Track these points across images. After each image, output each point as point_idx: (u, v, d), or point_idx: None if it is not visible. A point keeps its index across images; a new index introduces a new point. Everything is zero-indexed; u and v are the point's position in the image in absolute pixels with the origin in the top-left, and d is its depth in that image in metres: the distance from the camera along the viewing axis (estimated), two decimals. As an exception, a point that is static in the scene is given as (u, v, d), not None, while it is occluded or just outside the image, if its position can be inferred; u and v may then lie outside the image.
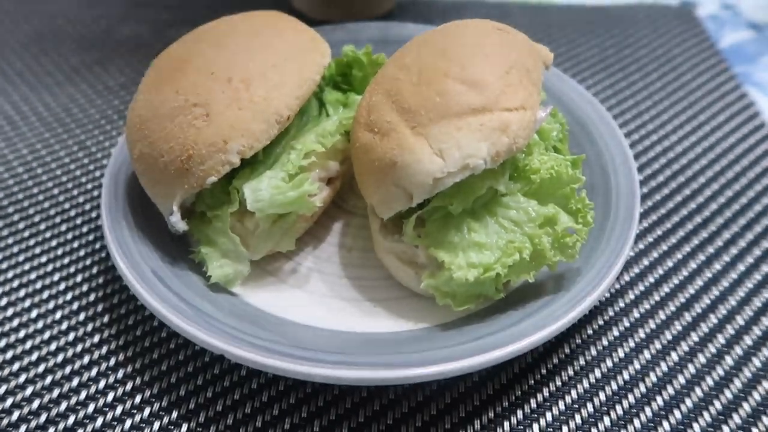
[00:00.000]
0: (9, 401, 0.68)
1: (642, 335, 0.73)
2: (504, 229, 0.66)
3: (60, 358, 0.72)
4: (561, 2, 1.36)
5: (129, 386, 0.70)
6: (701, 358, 0.71)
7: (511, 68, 0.66)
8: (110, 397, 0.69)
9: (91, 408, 0.68)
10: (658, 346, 0.72)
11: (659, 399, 0.68)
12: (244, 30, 0.75)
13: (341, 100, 0.85)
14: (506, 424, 0.66)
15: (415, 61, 0.68)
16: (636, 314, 0.76)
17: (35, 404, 0.68)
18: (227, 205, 0.71)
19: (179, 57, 0.73)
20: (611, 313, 0.76)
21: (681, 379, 0.69)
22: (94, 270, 0.82)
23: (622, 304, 0.77)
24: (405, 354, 0.63)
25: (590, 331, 0.74)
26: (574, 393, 0.68)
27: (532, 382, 0.69)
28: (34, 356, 0.73)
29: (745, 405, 0.67)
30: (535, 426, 0.65)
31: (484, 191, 0.66)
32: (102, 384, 0.70)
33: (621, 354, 0.72)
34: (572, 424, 0.66)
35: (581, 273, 0.69)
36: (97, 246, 0.85)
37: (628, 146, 0.82)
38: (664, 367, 0.70)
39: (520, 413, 0.67)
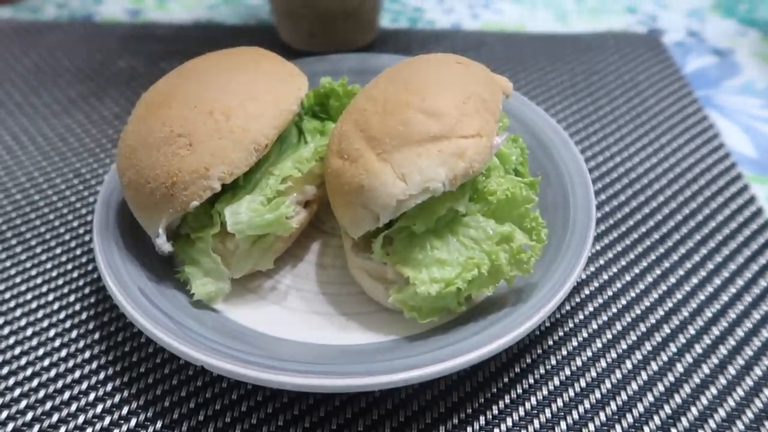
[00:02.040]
0: (4, 413, 0.73)
1: (599, 345, 0.78)
2: (464, 247, 0.72)
3: (53, 372, 0.77)
4: (534, 31, 1.43)
5: (117, 398, 0.74)
6: (654, 366, 0.76)
7: (468, 98, 0.72)
8: (99, 408, 0.73)
9: (81, 419, 0.73)
10: (613, 354, 0.77)
11: (612, 404, 0.72)
12: (226, 66, 0.81)
13: (319, 128, 0.91)
14: (469, 429, 0.70)
15: (381, 92, 0.74)
16: (594, 325, 0.80)
17: (29, 416, 0.73)
18: (209, 228, 0.76)
19: (166, 92, 0.79)
20: (571, 325, 0.81)
21: (634, 386, 0.74)
22: (86, 290, 0.87)
23: (581, 316, 0.81)
24: (374, 363, 0.68)
25: (550, 342, 0.79)
26: (533, 399, 0.73)
27: (495, 390, 0.74)
28: (29, 371, 0.77)
29: (693, 409, 0.71)
30: (497, 431, 0.70)
31: (445, 212, 0.71)
32: (92, 396, 0.75)
33: (579, 363, 0.76)
34: (531, 429, 0.70)
35: (538, 286, 0.74)
36: (90, 267, 0.90)
37: (585, 168, 0.88)
38: (618, 374, 0.75)
39: (482, 419, 0.71)
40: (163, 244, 0.76)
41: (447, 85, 0.73)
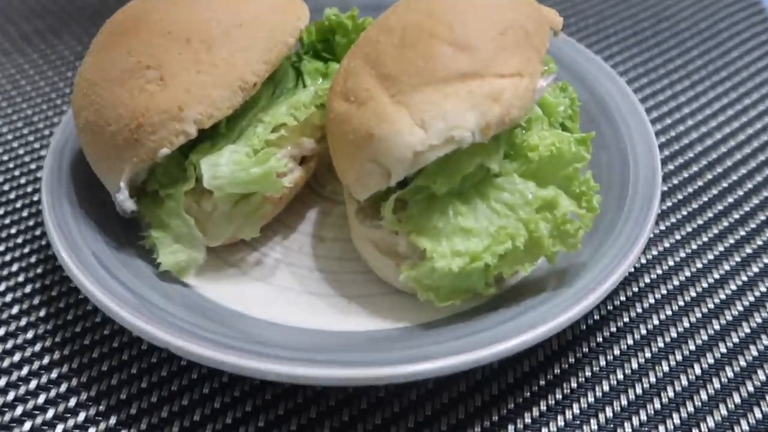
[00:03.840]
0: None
1: (660, 344, 0.75)
2: (496, 214, 0.69)
3: (-12, 354, 0.76)
4: (591, -31, 1.40)
5: (63, 388, 0.73)
6: (728, 372, 0.73)
7: (507, 29, 0.69)
8: (41, 399, 0.72)
9: (19, 410, 0.71)
10: (678, 357, 0.74)
11: (675, 417, 0.69)
12: (209, -15, 0.79)
13: (321, 70, 0.89)
14: (495, 440, 0.68)
15: (399, 21, 0.72)
16: (655, 320, 0.78)
17: (-43, 404, 0.72)
18: (182, 183, 0.75)
19: (134, 15, 0.77)
20: (626, 319, 0.78)
21: (703, 396, 0.71)
22: (33, 259, 0.86)
23: (639, 309, 0.79)
24: (377, 353, 0.66)
25: (599, 338, 0.76)
26: (576, 408, 0.70)
27: (528, 394, 0.71)
28: (-41, 352, 0.76)
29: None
30: (529, 443, 0.68)
31: (473, 169, 0.69)
32: (33, 385, 0.73)
33: (634, 365, 0.74)
34: (572, 442, 0.68)
35: (587, 267, 0.71)
36: (38, 232, 0.89)
37: (650, 128, 0.85)
38: (683, 381, 0.72)
39: (511, 430, 0.69)
40: (124, 202, 0.74)
41: (482, 12, 0.70)
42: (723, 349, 0.75)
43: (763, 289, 0.80)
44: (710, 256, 0.84)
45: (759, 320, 0.77)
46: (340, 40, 0.90)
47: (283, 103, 0.81)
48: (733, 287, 0.81)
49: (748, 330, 0.77)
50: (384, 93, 0.68)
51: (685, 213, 0.89)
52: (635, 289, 0.81)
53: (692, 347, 0.75)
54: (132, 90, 0.71)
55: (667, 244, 0.86)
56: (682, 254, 0.84)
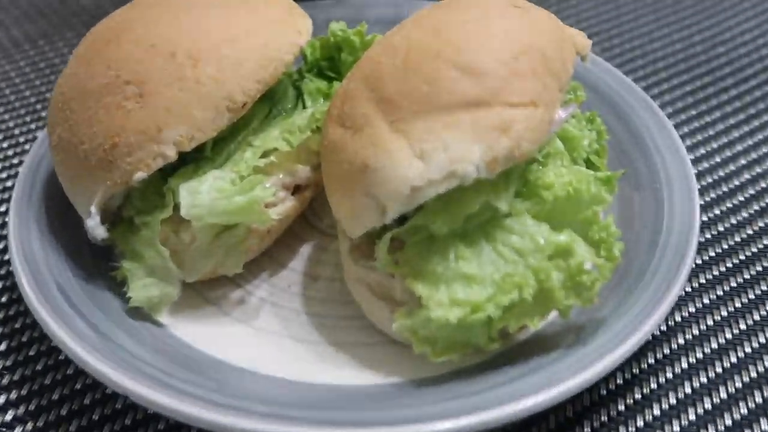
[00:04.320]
0: None
1: (692, 416, 0.73)
2: (503, 259, 0.68)
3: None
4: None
5: (9, 416, 0.74)
6: (769, 453, 0.70)
7: (522, 53, 0.69)
8: (-7, 442, 0.73)
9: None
10: (711, 432, 0.72)
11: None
12: (202, -5, 0.81)
13: (323, 90, 0.89)
14: None
15: (404, 40, 0.72)
16: (687, 388, 0.75)
17: None
18: (159, 210, 0.75)
19: (117, 26, 0.79)
20: (653, 385, 0.76)
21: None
22: (-3, 285, 0.87)
23: (668, 374, 0.77)
24: (362, 412, 0.65)
25: (620, 407, 0.74)
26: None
27: (534, 465, 0.70)
28: None
29: None
30: None
31: (478, 208, 0.68)
32: (-15, 425, 0.74)
33: (659, 439, 0.72)
34: None
35: (607, 324, 0.70)
36: (6, 258, 0.90)
37: (692, 169, 0.84)
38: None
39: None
40: (95, 228, 0.75)
41: (495, 33, 0.70)
42: (765, 426, 0.73)
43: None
44: (750, 321, 0.82)
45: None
46: (346, 58, 0.91)
47: (276, 126, 0.82)
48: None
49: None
50: (382, 119, 0.68)
51: (723, 269, 0.87)
52: (666, 351, 0.79)
53: (728, 421, 0.73)
54: (109, 107, 0.72)
55: (699, 304, 0.83)
56: (718, 316, 0.82)
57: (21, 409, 0.75)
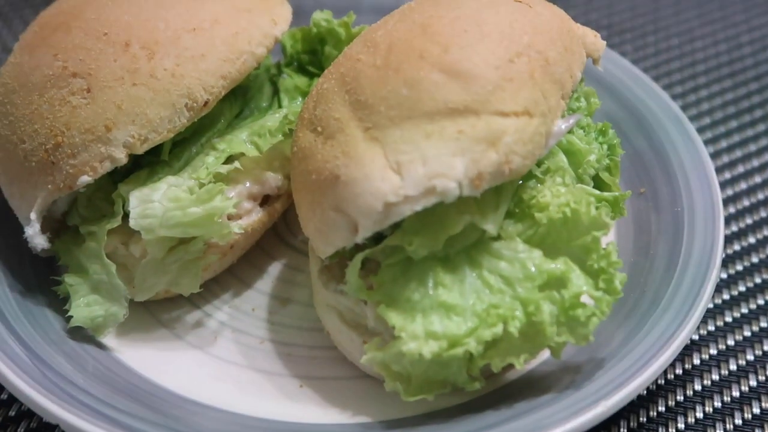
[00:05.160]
0: None
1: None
2: (488, 288, 0.70)
3: None
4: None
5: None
6: None
7: (520, 55, 0.71)
8: None
9: None
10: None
11: None
12: (165, -22, 0.83)
13: (302, 88, 0.92)
14: None
15: (387, 36, 0.74)
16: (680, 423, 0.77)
17: None
18: (107, 219, 0.78)
19: (69, 9, 0.82)
20: (660, 437, 0.78)
21: None
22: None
23: (680, 425, 0.78)
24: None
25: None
26: None
27: None
28: None
29: None
30: None
31: (462, 230, 0.70)
32: None
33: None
34: None
35: (605, 366, 0.72)
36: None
37: (718, 189, 0.85)
38: None
39: None
40: (34, 237, 0.78)
41: (488, 32, 0.72)
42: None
43: None
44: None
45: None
46: (330, 51, 0.94)
47: (244, 128, 0.84)
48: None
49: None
50: (357, 125, 0.70)
51: (746, 311, 0.89)
52: (679, 398, 0.80)
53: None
54: (52, 101, 0.75)
55: (714, 351, 0.85)
56: (734, 365, 0.84)
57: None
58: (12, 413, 0.80)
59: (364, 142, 0.69)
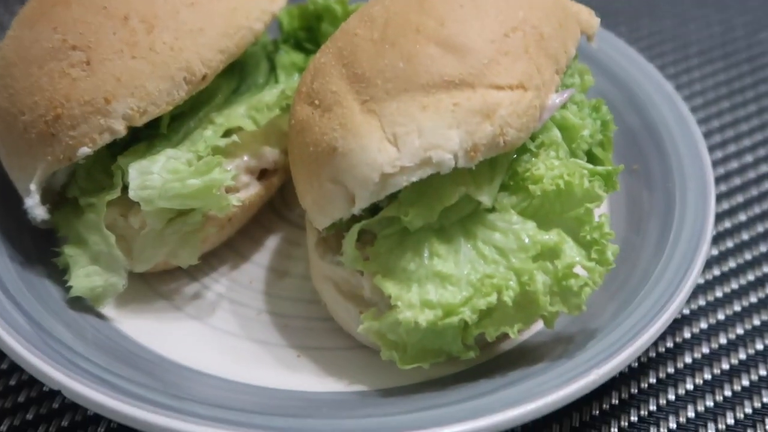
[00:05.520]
0: None
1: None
2: (482, 259, 0.71)
3: None
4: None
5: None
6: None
7: (514, 30, 0.72)
8: None
9: None
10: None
11: None
12: (163, -47, 0.84)
13: (298, 64, 0.93)
14: None
15: (384, 11, 0.75)
16: (689, 412, 0.78)
17: None
18: (106, 191, 0.79)
19: (69, -17, 0.82)
20: (651, 406, 0.78)
21: None
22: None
23: (671, 395, 0.79)
24: (316, 420, 0.68)
25: (614, 430, 0.77)
26: None
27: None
28: None
29: None
30: None
31: (457, 201, 0.71)
32: None
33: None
34: None
35: (597, 336, 0.73)
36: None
37: (710, 166, 0.86)
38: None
39: None
40: (34, 208, 0.78)
41: (484, 6, 0.73)
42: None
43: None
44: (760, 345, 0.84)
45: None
46: (326, 28, 0.94)
47: (242, 103, 0.85)
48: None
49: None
50: (354, 98, 0.71)
51: (736, 286, 0.90)
52: (670, 370, 0.82)
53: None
54: (52, 74, 0.76)
55: (704, 325, 0.86)
56: (723, 339, 0.85)
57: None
58: (12, 382, 0.81)
59: (361, 115, 0.70)
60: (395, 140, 0.68)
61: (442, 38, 0.70)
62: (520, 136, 0.70)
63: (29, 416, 0.78)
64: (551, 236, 0.71)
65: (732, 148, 1.06)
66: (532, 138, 0.76)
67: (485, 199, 0.72)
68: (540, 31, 0.73)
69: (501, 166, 0.74)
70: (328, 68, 0.74)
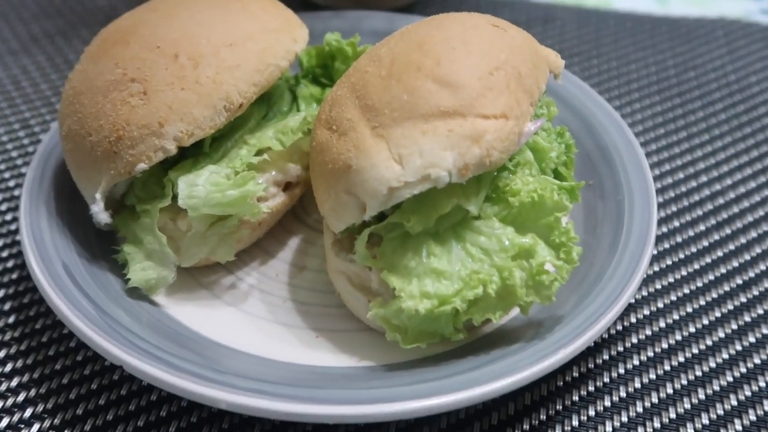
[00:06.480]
0: None
1: (639, 409, 0.76)
2: (470, 258, 0.71)
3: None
4: (622, 9, 1.42)
5: (21, 397, 0.76)
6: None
7: (498, 69, 0.71)
8: (-3, 406, 0.75)
9: (-28, 416, 0.74)
10: (656, 424, 0.74)
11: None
12: (206, 2, 0.83)
13: (316, 95, 0.92)
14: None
15: (389, 52, 0.75)
16: (636, 383, 0.78)
17: None
18: (159, 199, 0.78)
19: (126, 27, 0.81)
20: (605, 378, 0.78)
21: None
22: (9, 264, 0.90)
23: (620, 369, 0.79)
24: (334, 391, 0.68)
25: (575, 398, 0.77)
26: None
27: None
28: None
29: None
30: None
31: (450, 210, 0.71)
32: (-9, 391, 0.77)
33: (608, 429, 0.74)
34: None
35: (564, 321, 0.73)
36: (18, 238, 0.93)
37: (653, 185, 0.86)
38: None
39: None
40: (99, 214, 0.78)
41: (472, 50, 0.72)
42: (705, 420, 0.75)
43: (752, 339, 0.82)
44: (699, 325, 0.84)
45: (748, 393, 0.77)
46: (339, 66, 0.94)
47: (270, 127, 0.84)
48: (725, 356, 0.81)
49: (735, 403, 0.77)
50: (365, 125, 0.71)
51: (678, 276, 0.90)
52: (620, 349, 0.81)
53: (672, 415, 0.76)
54: (114, 102, 0.75)
55: (654, 308, 0.86)
56: (670, 319, 0.85)
57: (26, 377, 0.78)
58: (79, 358, 0.80)
59: (372, 138, 0.70)
60: (400, 160, 0.68)
61: (438, 76, 0.70)
62: (502, 157, 0.70)
63: (93, 386, 0.77)
64: (527, 239, 0.71)
65: (666, 167, 1.06)
66: (511, 158, 0.76)
67: (473, 209, 0.72)
68: (519, 70, 0.73)
69: (486, 181, 0.74)
70: (344, 99, 0.74)
